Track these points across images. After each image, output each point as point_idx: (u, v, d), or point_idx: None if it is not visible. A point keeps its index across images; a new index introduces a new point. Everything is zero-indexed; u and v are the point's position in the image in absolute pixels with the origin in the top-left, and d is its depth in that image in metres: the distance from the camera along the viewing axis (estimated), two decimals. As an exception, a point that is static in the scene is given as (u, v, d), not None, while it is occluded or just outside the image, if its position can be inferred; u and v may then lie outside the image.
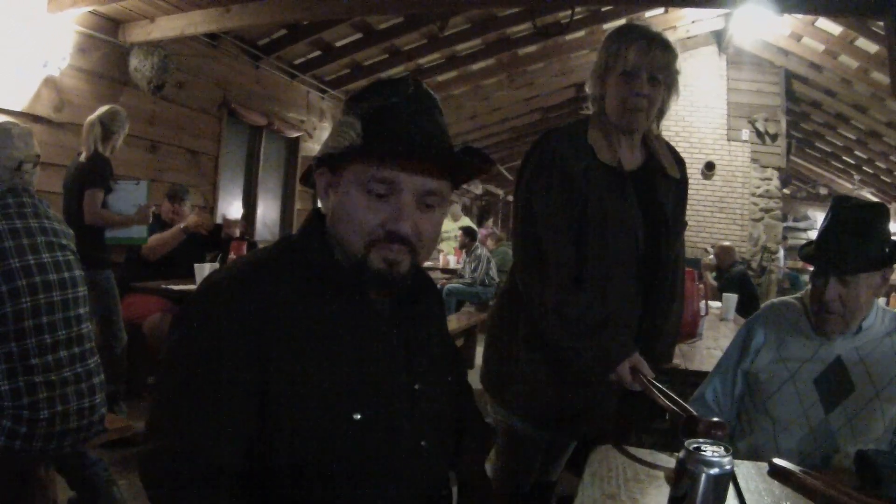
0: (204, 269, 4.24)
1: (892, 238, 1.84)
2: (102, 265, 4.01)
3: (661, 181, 2.00)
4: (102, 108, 4.14)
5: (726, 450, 1.07)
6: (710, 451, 1.06)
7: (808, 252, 1.92)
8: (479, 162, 1.14)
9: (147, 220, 4.33)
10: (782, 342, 1.94)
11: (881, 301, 1.90)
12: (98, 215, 4.00)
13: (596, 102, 1.98)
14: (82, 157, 4.07)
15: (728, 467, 1.05)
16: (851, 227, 1.81)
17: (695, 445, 1.07)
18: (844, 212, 1.84)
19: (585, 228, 1.86)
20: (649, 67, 1.85)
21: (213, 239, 4.97)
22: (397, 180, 1.08)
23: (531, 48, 8.17)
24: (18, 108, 4.45)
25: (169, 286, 4.30)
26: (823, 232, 1.87)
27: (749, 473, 1.43)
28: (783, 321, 1.99)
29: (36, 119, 4.57)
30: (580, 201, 1.85)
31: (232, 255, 4.55)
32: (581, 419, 1.98)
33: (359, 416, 1.07)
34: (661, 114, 1.97)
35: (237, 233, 4.95)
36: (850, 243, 1.79)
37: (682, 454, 1.08)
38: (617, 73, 1.88)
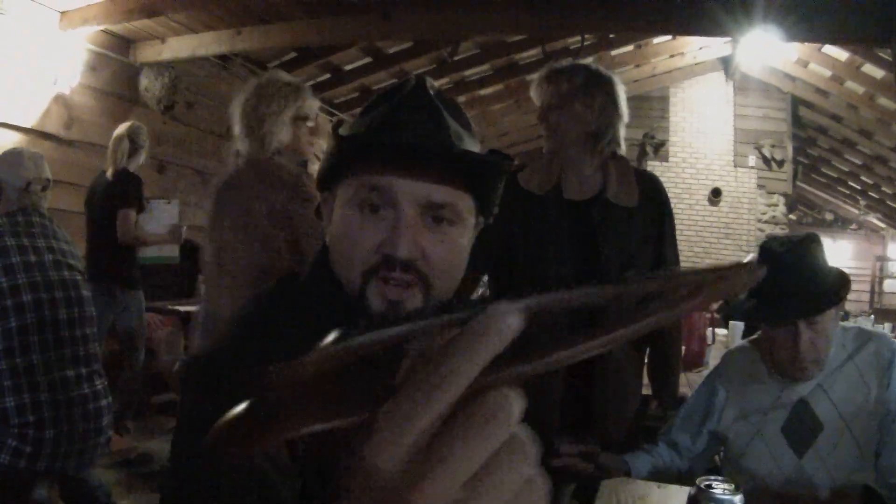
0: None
1: (830, 265, 1.80)
2: (135, 285, 4.00)
3: (608, 210, 2.01)
4: (127, 124, 4.15)
5: (737, 487, 1.06)
6: (721, 488, 1.06)
7: (751, 309, 1.81)
8: (492, 161, 0.93)
9: (180, 239, 4.31)
10: (743, 394, 1.90)
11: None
12: (132, 235, 3.97)
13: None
14: (109, 174, 4.05)
15: (738, 504, 1.04)
16: (798, 266, 1.74)
17: (706, 483, 1.07)
18: (785, 255, 1.76)
19: (500, 256, 1.96)
20: (546, 99, 2.04)
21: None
22: (392, 188, 0.87)
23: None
24: (28, 125, 4.48)
25: (176, 306, 4.30)
26: (772, 283, 1.70)
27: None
28: (741, 371, 1.94)
29: (45, 136, 4.59)
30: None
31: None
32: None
33: None
34: (595, 137, 2.03)
35: None
36: (806, 283, 1.72)
37: (692, 491, 1.07)
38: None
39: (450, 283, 0.93)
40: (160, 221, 4.25)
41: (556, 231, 1.99)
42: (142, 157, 4.18)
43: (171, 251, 4.42)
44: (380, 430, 0.32)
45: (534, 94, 2.13)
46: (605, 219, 2.01)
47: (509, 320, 0.33)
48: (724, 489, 1.06)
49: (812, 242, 1.79)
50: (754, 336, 1.98)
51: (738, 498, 1.04)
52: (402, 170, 0.87)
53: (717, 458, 2.09)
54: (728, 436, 1.89)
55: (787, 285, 1.71)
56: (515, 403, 0.33)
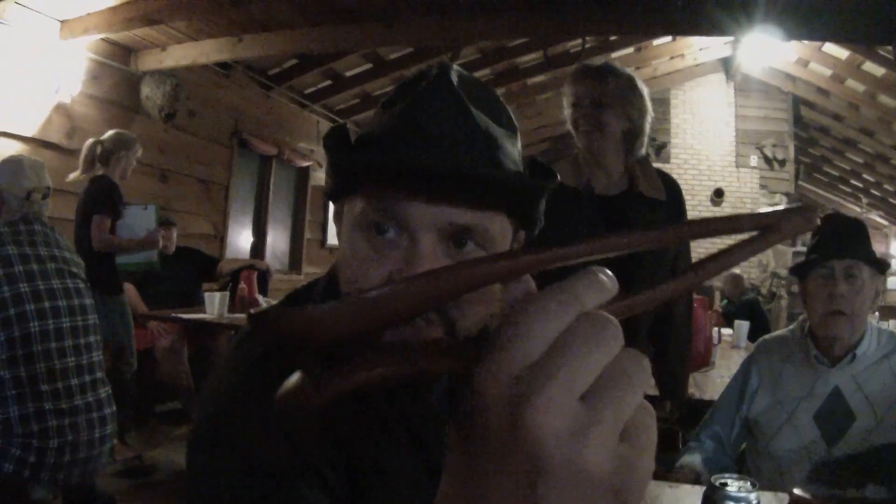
0: (214, 298, 4.23)
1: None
2: (115, 291, 3.99)
3: (639, 205, 2.08)
4: (109, 132, 4.13)
5: (752, 485, 1.04)
6: (737, 486, 1.04)
7: (801, 261, 1.94)
8: (530, 184, 0.76)
9: (157, 244, 4.30)
10: (777, 380, 1.92)
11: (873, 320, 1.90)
12: (106, 241, 3.94)
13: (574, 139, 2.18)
14: (78, 176, 4.03)
15: (754, 502, 1.02)
16: (846, 228, 1.88)
17: (721, 481, 1.05)
18: (837, 220, 1.95)
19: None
20: (589, 95, 2.04)
21: (204, 268, 5.08)
22: (405, 212, 0.71)
23: (540, 78, 8.22)
24: (29, 134, 4.48)
25: (179, 314, 4.29)
26: (819, 239, 1.89)
27: (771, 506, 1.40)
28: (776, 357, 1.97)
29: (47, 145, 4.60)
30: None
31: (242, 285, 4.54)
32: None
33: None
34: (631, 136, 2.08)
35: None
36: (849, 237, 1.85)
37: (707, 489, 1.05)
38: (570, 107, 2.10)
39: (478, 320, 0.76)
40: (137, 227, 4.23)
41: (590, 224, 2.02)
42: (126, 165, 4.10)
43: (149, 257, 4.40)
44: (489, 354, 0.31)
45: (570, 89, 2.11)
46: (638, 212, 2.06)
47: (609, 273, 0.34)
48: (740, 487, 1.04)
49: (862, 223, 1.95)
50: (791, 326, 2.04)
51: (754, 496, 1.03)
52: (417, 189, 0.71)
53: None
54: (759, 421, 1.91)
55: (833, 238, 1.85)
56: (617, 323, 0.32)
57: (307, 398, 0.33)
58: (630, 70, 2.18)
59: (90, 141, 4.08)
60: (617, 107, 2.05)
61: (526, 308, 0.32)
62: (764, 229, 0.37)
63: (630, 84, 2.07)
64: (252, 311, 0.33)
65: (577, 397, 0.30)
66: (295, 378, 0.33)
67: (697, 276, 0.39)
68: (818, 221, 0.38)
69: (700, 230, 0.37)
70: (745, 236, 0.38)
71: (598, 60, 2.23)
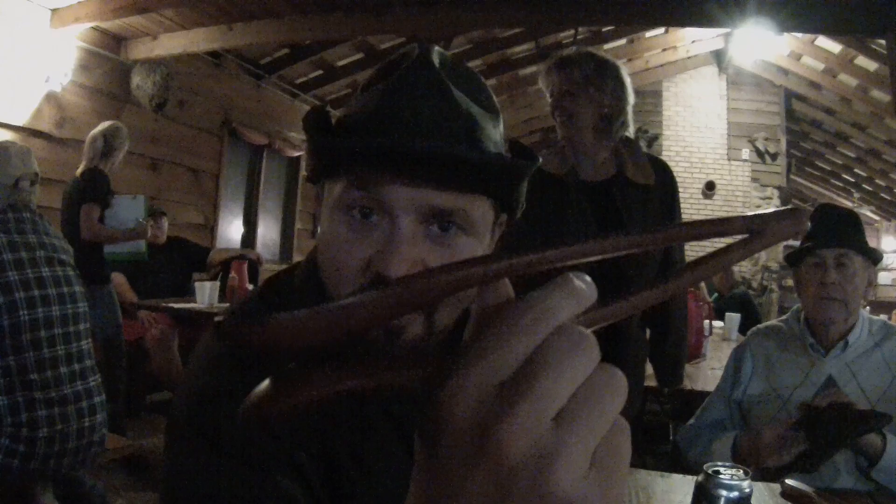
0: (205, 288, 4.23)
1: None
2: (102, 280, 3.98)
3: (628, 190, 2.09)
4: (105, 124, 4.13)
5: (745, 473, 1.04)
6: (729, 474, 1.04)
7: (794, 250, 1.97)
8: (512, 165, 0.74)
9: (145, 234, 4.30)
10: (771, 368, 1.94)
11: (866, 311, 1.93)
12: (94, 231, 3.94)
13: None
14: (78, 172, 4.05)
15: (748, 490, 1.02)
16: (838, 218, 1.92)
17: (713, 469, 1.05)
18: (829, 210, 1.98)
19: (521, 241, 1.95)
20: (559, 86, 2.09)
21: (196, 259, 5.10)
22: (385, 193, 0.70)
23: (532, 69, 8.20)
24: (19, 123, 4.46)
25: (170, 304, 4.28)
26: (811, 229, 1.90)
27: (762, 495, 1.40)
28: (770, 344, 2.00)
29: (37, 134, 4.57)
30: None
31: (233, 275, 4.52)
32: None
33: None
34: (607, 120, 2.10)
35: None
36: (841, 227, 1.88)
37: (700, 477, 1.05)
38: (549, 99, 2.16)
39: (459, 305, 0.75)
40: (126, 217, 4.22)
41: (578, 211, 2.04)
42: (118, 158, 4.13)
43: (137, 247, 4.40)
44: (456, 370, 0.30)
45: (543, 82, 2.16)
46: (626, 197, 2.08)
47: (588, 280, 0.32)
48: (733, 475, 1.04)
49: (857, 215, 1.99)
50: (784, 316, 2.07)
51: (746, 483, 1.02)
52: (397, 171, 0.70)
53: None
54: (753, 409, 1.93)
55: (827, 226, 1.89)
56: (594, 339, 0.31)
57: (267, 408, 0.32)
58: (611, 57, 2.20)
59: (93, 135, 4.06)
60: (585, 93, 2.07)
61: (498, 322, 0.31)
62: (753, 233, 0.37)
63: (599, 68, 2.08)
64: (216, 318, 0.33)
65: (549, 419, 0.29)
66: (261, 387, 0.33)
67: (681, 282, 0.38)
68: (809, 225, 0.37)
69: (686, 233, 0.36)
70: (732, 239, 0.38)
71: (577, 49, 2.24)
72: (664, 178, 2.20)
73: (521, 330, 0.30)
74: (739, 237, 0.37)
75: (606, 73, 2.09)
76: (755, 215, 0.36)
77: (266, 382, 0.33)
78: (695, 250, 9.63)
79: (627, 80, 2.14)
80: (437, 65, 0.74)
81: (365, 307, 0.32)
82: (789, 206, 0.38)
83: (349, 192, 0.72)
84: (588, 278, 0.32)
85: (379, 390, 0.33)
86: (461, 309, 0.76)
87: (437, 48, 0.77)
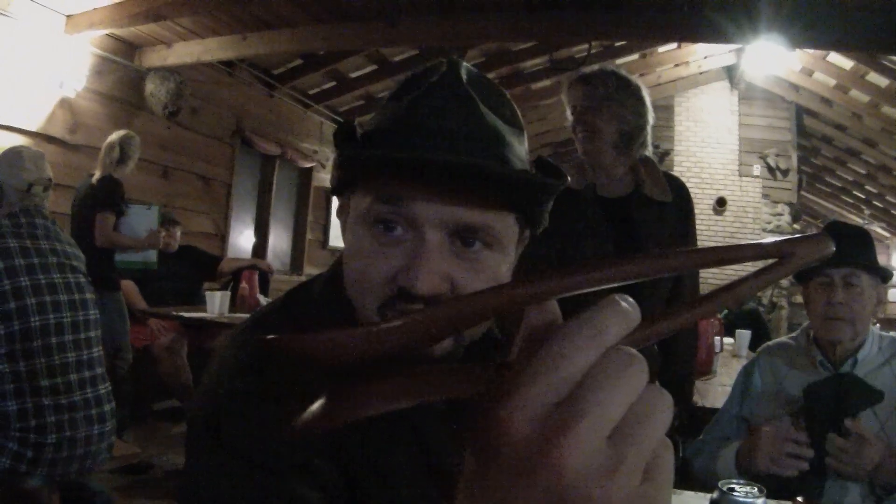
0: (215, 298, 4.23)
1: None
2: (112, 287, 4.00)
3: (644, 207, 2.11)
4: (121, 132, 4.16)
5: (760, 490, 1.03)
6: (744, 491, 1.03)
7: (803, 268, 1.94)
8: (539, 182, 0.74)
9: (158, 244, 4.35)
10: (780, 385, 1.93)
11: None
12: (109, 238, 3.99)
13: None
14: (94, 179, 4.07)
15: (762, 508, 1.01)
16: (847, 236, 1.89)
17: (728, 486, 1.04)
18: (838, 227, 1.98)
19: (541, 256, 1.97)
20: (581, 102, 2.11)
21: (206, 267, 5.11)
22: (412, 207, 0.70)
23: (545, 82, 8.21)
24: (33, 129, 4.49)
25: (180, 312, 4.29)
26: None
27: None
28: (780, 361, 1.98)
29: (50, 140, 4.59)
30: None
31: (243, 284, 4.53)
32: None
33: None
34: (628, 137, 2.11)
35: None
36: (849, 245, 1.86)
37: (715, 495, 1.04)
38: (570, 114, 2.18)
39: (488, 321, 0.74)
40: (139, 226, 4.27)
41: (595, 226, 2.07)
42: (129, 166, 4.17)
43: (149, 256, 4.45)
44: (517, 387, 0.31)
45: (565, 97, 2.19)
46: (643, 213, 2.10)
47: (632, 301, 0.34)
48: (748, 492, 1.03)
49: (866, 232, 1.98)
50: (794, 334, 2.06)
51: (761, 500, 1.01)
52: (424, 185, 0.70)
53: None
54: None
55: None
56: (643, 359, 0.32)
57: (319, 425, 0.34)
58: (632, 76, 2.21)
59: (109, 142, 4.09)
60: (608, 110, 2.09)
61: (554, 342, 0.32)
62: (785, 256, 0.37)
63: (622, 86, 2.11)
64: (268, 337, 0.34)
65: (605, 436, 0.30)
66: (318, 404, 0.34)
67: (714, 305, 0.39)
68: (833, 248, 0.39)
69: (723, 257, 0.36)
70: (761, 264, 0.38)
71: (600, 66, 2.25)
72: (680, 196, 2.23)
73: (577, 350, 0.31)
74: (771, 261, 0.38)
75: (629, 92, 2.11)
76: (786, 240, 0.37)
77: (323, 400, 0.34)
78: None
79: (648, 101, 2.17)
80: (466, 80, 0.75)
81: (402, 331, 0.33)
82: (817, 232, 0.39)
83: (376, 205, 0.72)
84: (631, 299, 0.33)
85: (427, 403, 0.35)
86: (489, 325, 0.78)
87: (465, 63, 0.78)
